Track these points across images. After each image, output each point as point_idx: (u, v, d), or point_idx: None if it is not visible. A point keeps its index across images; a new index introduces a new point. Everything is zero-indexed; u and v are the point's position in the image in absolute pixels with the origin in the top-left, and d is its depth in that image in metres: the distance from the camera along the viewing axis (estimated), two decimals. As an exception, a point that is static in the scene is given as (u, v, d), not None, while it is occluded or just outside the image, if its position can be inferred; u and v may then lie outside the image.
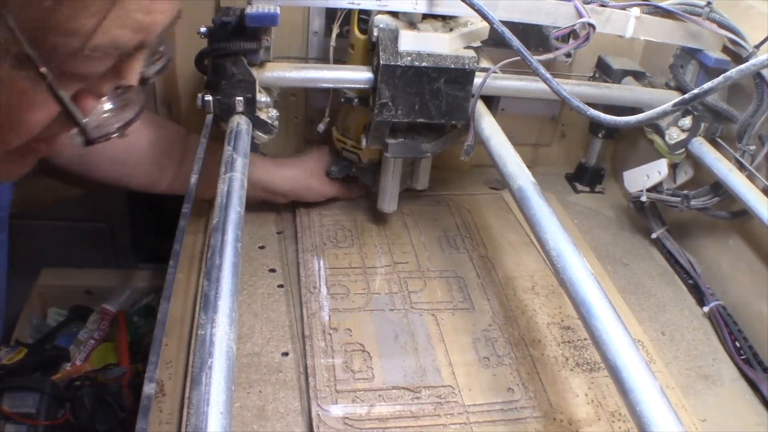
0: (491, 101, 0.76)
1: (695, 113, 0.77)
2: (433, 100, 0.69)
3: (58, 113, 0.34)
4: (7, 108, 0.32)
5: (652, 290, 0.82)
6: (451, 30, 0.70)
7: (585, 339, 0.70)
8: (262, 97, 0.70)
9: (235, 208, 0.56)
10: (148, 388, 0.56)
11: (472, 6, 0.62)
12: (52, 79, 0.31)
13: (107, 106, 0.38)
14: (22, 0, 0.28)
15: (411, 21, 0.70)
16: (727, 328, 0.75)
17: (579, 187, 1.01)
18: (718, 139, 0.78)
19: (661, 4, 0.73)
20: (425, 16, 0.71)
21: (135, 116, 0.40)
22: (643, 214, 0.89)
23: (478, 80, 0.69)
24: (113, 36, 0.31)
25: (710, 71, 0.76)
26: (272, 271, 0.77)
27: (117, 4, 0.31)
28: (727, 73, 0.53)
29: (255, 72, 0.68)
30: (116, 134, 0.39)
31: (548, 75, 0.62)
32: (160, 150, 0.77)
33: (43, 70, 0.31)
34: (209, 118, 0.68)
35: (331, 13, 0.82)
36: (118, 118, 0.39)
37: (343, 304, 0.72)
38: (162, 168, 0.78)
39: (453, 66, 0.67)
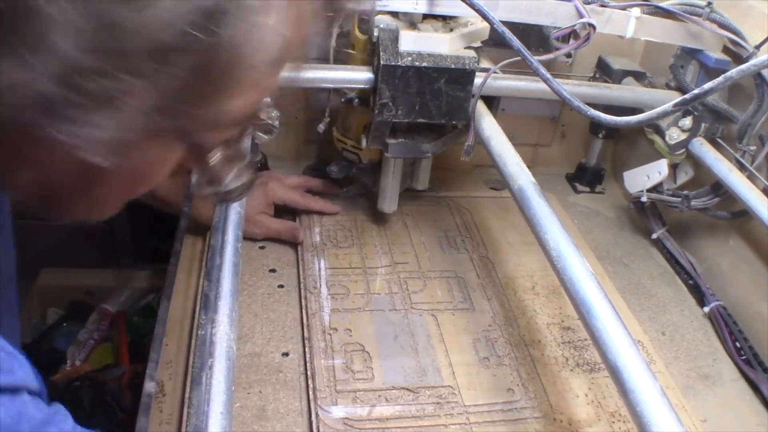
0: (491, 101, 0.76)
1: (696, 113, 0.77)
2: (434, 100, 0.69)
3: (177, 168, 0.36)
4: (141, 168, 0.34)
5: (653, 290, 0.82)
6: (451, 30, 0.70)
7: (585, 339, 0.70)
8: (262, 97, 0.70)
9: (235, 208, 0.56)
10: (149, 386, 0.56)
11: (472, 6, 0.62)
12: (191, 149, 0.34)
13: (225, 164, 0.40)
14: (172, 78, 0.29)
15: (411, 21, 0.70)
16: (728, 328, 0.75)
17: (579, 187, 1.01)
18: (719, 140, 0.78)
19: (661, 4, 0.73)
20: (425, 16, 0.71)
21: (253, 177, 0.42)
22: (644, 215, 0.89)
23: (478, 80, 0.69)
24: (248, 111, 0.33)
25: (710, 71, 0.76)
26: (272, 271, 0.77)
27: (264, 91, 0.33)
28: (728, 74, 0.53)
29: (255, 72, 0.67)
30: (241, 195, 0.41)
31: (548, 75, 0.62)
32: None
33: (186, 144, 0.33)
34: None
35: (331, 13, 0.82)
36: (240, 175, 0.41)
37: (344, 304, 0.72)
38: None
39: (453, 66, 0.67)
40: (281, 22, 0.30)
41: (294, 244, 0.80)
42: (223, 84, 0.30)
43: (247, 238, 0.78)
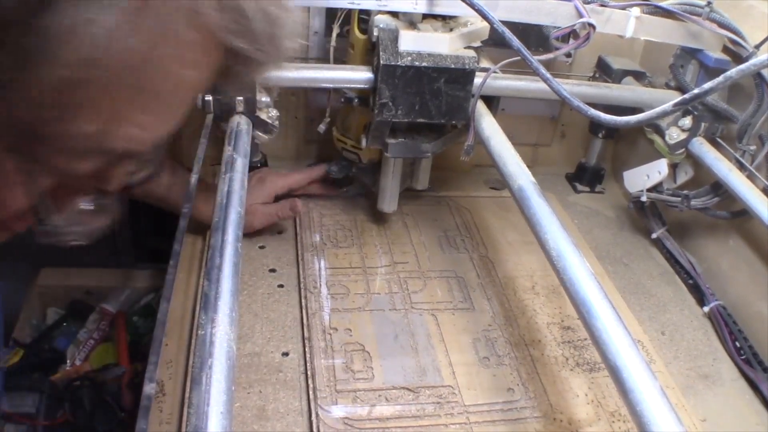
0: (491, 101, 0.76)
1: (695, 113, 0.77)
2: (433, 100, 0.69)
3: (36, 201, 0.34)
4: None
5: (652, 290, 0.82)
6: (451, 30, 0.70)
7: (585, 339, 0.70)
8: (262, 97, 0.70)
9: (236, 208, 0.56)
10: (148, 388, 0.56)
11: (472, 6, 0.62)
12: (36, 170, 0.32)
13: (82, 205, 0.38)
14: (24, 91, 0.28)
15: (411, 21, 0.70)
16: (727, 328, 0.75)
17: (579, 187, 1.01)
18: (718, 139, 0.78)
19: (661, 4, 0.73)
20: (425, 16, 0.71)
21: (102, 226, 0.40)
22: (643, 214, 0.89)
23: (478, 80, 0.69)
24: (104, 142, 0.31)
25: (710, 71, 0.76)
26: (272, 271, 0.77)
27: (116, 115, 0.31)
28: (728, 73, 0.53)
29: (255, 72, 0.67)
30: (77, 241, 0.39)
31: (548, 75, 0.62)
32: None
33: (30, 165, 0.31)
34: (209, 118, 0.68)
35: (331, 13, 0.82)
36: (88, 221, 0.39)
37: (343, 304, 0.72)
38: None
39: (453, 66, 0.67)
40: (129, 30, 0.28)
41: (294, 243, 0.80)
42: (48, 79, 0.28)
43: (247, 232, 0.77)
